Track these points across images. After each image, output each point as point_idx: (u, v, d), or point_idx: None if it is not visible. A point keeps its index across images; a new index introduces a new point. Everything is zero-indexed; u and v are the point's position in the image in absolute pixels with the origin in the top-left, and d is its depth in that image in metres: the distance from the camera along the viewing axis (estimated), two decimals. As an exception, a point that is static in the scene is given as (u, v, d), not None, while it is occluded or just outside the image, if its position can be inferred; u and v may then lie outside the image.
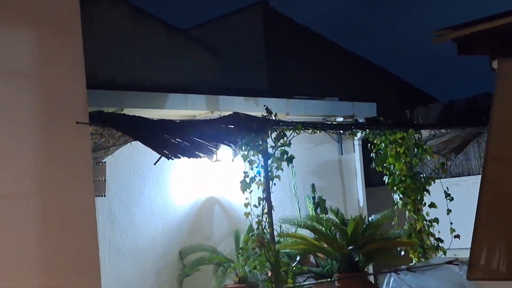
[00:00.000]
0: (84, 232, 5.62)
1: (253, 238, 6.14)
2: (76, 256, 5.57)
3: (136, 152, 7.59)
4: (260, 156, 6.01)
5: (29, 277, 5.33)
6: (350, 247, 5.82)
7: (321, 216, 6.49)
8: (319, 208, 9.08)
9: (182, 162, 8.47)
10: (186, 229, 8.68)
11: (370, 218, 6.07)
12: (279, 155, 6.01)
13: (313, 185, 9.51)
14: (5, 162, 5.15)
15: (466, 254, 5.45)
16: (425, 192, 6.80)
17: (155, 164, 5.85)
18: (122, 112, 7.01)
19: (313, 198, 9.38)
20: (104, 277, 5.83)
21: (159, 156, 5.56)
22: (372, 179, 9.91)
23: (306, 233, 6.66)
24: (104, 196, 7.12)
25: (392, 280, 5.89)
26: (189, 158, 5.74)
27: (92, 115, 5.38)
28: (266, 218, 6.00)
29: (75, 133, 5.32)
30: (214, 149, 5.94)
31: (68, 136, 5.32)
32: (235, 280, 8.32)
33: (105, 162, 6.74)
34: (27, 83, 5.27)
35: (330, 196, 9.42)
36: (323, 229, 5.99)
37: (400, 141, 6.84)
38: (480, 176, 5.52)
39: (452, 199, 6.80)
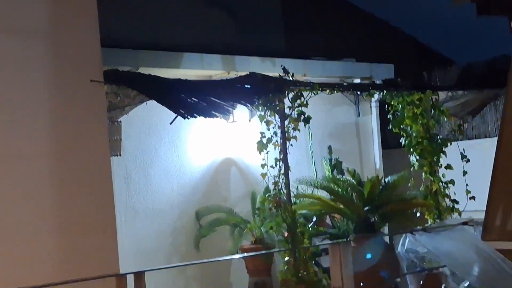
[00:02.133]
0: (100, 192, 5.64)
1: (269, 199, 6.15)
2: (92, 216, 5.59)
3: (152, 112, 7.58)
4: (277, 116, 5.98)
5: (45, 238, 5.37)
6: (366, 208, 5.81)
7: (337, 177, 6.47)
8: (335, 170, 9.07)
9: (198, 123, 8.45)
10: (203, 190, 8.70)
11: (386, 180, 6.05)
12: (296, 115, 5.98)
13: (329, 147, 9.48)
14: (20, 122, 5.15)
15: (481, 216, 5.44)
16: (441, 154, 6.75)
17: (171, 123, 5.85)
18: (137, 71, 6.99)
19: (330, 160, 9.35)
20: (120, 238, 5.86)
21: (175, 115, 5.55)
22: (388, 142, 9.86)
23: (322, 194, 6.65)
24: (120, 155, 7.13)
25: (407, 240, 5.89)
26: (205, 117, 5.73)
27: (107, 74, 5.36)
28: (282, 179, 6.00)
29: (90, 92, 5.31)
30: (231, 109, 5.93)
31: (83, 95, 5.31)
32: (251, 241, 8.36)
33: (120, 121, 6.73)
34: (42, 42, 5.24)
35: (347, 158, 9.39)
36: (340, 190, 5.99)
37: (417, 102, 6.78)
38: (496, 138, 5.48)
39: (468, 160, 6.76)
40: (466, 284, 6.15)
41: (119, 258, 5.68)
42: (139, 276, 4.16)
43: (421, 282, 6.02)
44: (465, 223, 5.81)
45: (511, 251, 4.93)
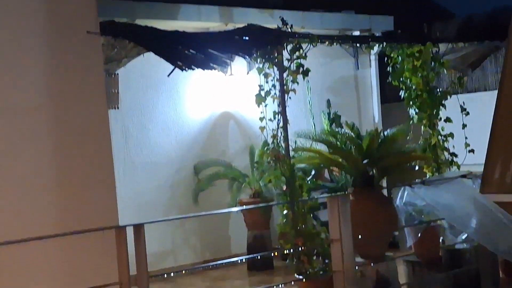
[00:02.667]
0: (98, 144, 5.62)
1: (268, 152, 6.13)
2: (91, 169, 5.59)
3: (149, 65, 7.52)
4: (275, 69, 5.92)
5: (44, 191, 5.37)
6: (364, 162, 5.79)
7: (336, 131, 6.44)
8: (334, 124, 9.05)
9: (196, 76, 8.40)
10: (201, 144, 8.70)
11: (385, 133, 6.02)
12: (294, 68, 5.92)
13: (328, 101, 9.46)
14: (15, 74, 5.10)
15: (480, 169, 5.43)
16: (441, 107, 6.72)
17: (168, 76, 5.80)
18: (134, 23, 6.92)
19: (328, 114, 9.34)
20: (119, 191, 5.86)
21: (172, 67, 5.50)
22: (387, 96, 9.83)
23: (321, 148, 6.63)
24: (117, 108, 7.11)
25: (406, 194, 5.90)
26: (203, 69, 5.68)
27: (103, 25, 5.28)
28: (281, 133, 5.97)
29: (86, 44, 5.24)
30: (229, 61, 5.87)
31: (79, 47, 5.24)
32: (250, 195, 8.39)
33: (117, 74, 6.68)
34: (37, -8, 5.15)
35: (345, 112, 9.38)
36: (338, 143, 5.95)
37: (417, 54, 6.72)
38: (496, 91, 5.44)
39: (467, 113, 6.73)
40: (464, 237, 6.19)
41: (118, 211, 5.69)
42: (138, 229, 4.16)
43: (419, 235, 6.05)
44: (463, 176, 5.80)
45: (509, 204, 4.93)
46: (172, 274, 4.93)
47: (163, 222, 8.09)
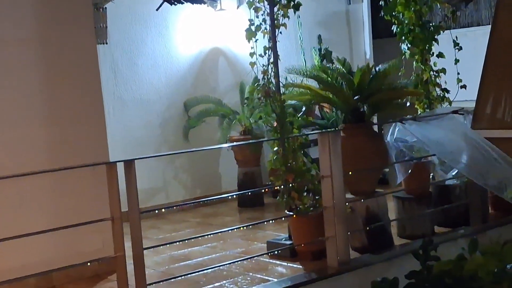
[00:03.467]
0: (87, 79, 5.58)
1: (258, 88, 6.07)
2: (80, 104, 5.56)
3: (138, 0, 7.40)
4: (266, 3, 5.81)
5: (34, 126, 5.34)
6: (356, 98, 5.75)
7: (327, 66, 6.37)
8: (325, 59, 8.98)
9: (186, 11, 8.27)
10: (191, 81, 8.63)
11: (377, 68, 5.96)
12: (285, 2, 5.81)
13: (319, 37, 9.36)
14: (3, 6, 5.01)
15: (471, 106, 5.41)
16: (433, 42, 6.65)
17: (157, 10, 5.70)
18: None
19: (319, 49, 9.25)
20: (109, 128, 5.84)
21: (161, 1, 5.39)
22: (379, 31, 9.72)
23: (312, 84, 6.58)
24: (106, 43, 7.00)
25: (397, 130, 5.89)
26: (192, 4, 5.59)
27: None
28: (271, 68, 5.90)
29: (74, -23, 5.13)
30: (218, -5, 5.76)
31: (66, -20, 5.14)
32: (240, 132, 8.38)
33: (105, 8, 6.55)
34: None
35: (337, 48, 9.29)
36: (329, 79, 5.90)
37: (411, -13, 6.60)
38: (489, 26, 5.38)
39: (460, 48, 6.66)
40: (454, 173, 6.23)
41: (108, 147, 5.68)
42: (129, 165, 4.14)
43: (410, 171, 6.07)
44: (455, 112, 5.79)
45: (500, 139, 4.94)
46: (163, 210, 4.95)
47: (154, 159, 8.08)
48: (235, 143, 8.07)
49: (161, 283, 4.80)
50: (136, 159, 4.17)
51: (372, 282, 4.75)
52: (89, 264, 4.34)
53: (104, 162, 4.27)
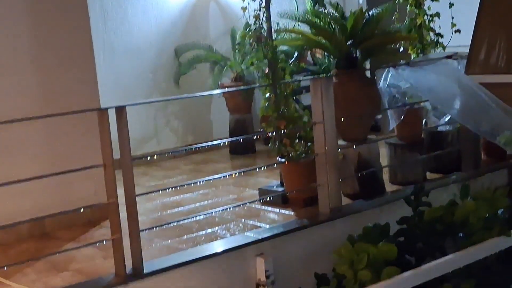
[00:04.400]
0: (77, 25, 5.51)
1: (250, 34, 5.99)
2: (70, 51, 5.50)
3: None
4: None
5: (25, 73, 5.29)
6: (348, 43, 5.69)
7: (319, 10, 6.27)
8: (317, 4, 8.84)
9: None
10: (181, 27, 8.53)
11: (370, 13, 5.87)
12: None
13: (311, -19, 9.20)
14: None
15: (465, 51, 5.37)
16: (427, -15, 6.54)
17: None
18: None
19: (312, -6, 9.10)
20: (99, 75, 5.77)
21: None
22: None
23: (304, 29, 6.51)
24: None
25: (390, 75, 5.85)
26: None
27: None
28: (263, 13, 5.81)
29: None
30: None
31: None
32: (231, 78, 8.31)
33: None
34: None
35: (329, -7, 9.15)
36: (322, 24, 5.82)
37: None
38: (485, -31, 5.29)
39: (455, -10, 6.57)
40: (447, 119, 6.22)
41: (99, 94, 5.63)
42: (120, 111, 4.10)
43: (402, 117, 6.06)
44: (449, 57, 5.74)
45: (493, 85, 4.92)
46: (155, 156, 4.94)
47: (145, 107, 8.04)
48: (226, 90, 8.02)
49: (154, 229, 4.81)
50: (127, 105, 4.13)
51: (364, 228, 4.80)
52: (82, 210, 4.33)
53: (96, 108, 4.22)
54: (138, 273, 4.16)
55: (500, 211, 4.84)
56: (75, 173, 4.21)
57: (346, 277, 4.35)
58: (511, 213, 4.96)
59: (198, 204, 6.02)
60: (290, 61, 6.91)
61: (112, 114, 4.10)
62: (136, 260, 4.18)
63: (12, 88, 5.20)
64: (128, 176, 4.13)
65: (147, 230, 4.51)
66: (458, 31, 6.42)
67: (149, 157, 6.95)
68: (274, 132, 5.63)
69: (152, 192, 4.92)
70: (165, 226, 4.90)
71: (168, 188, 5.46)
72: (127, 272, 4.14)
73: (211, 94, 8.48)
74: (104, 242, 4.39)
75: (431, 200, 5.13)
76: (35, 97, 5.31)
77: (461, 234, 4.80)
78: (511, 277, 4.76)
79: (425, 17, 6.51)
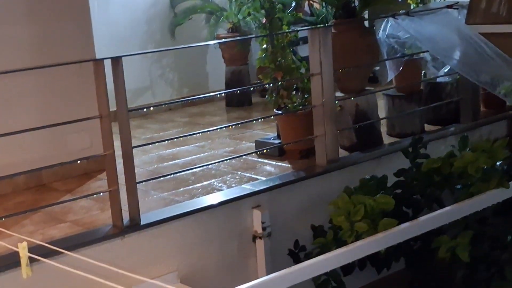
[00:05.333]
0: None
1: (246, -17, 5.89)
2: (65, 2, 5.41)
3: None
4: None
5: (17, 24, 5.20)
6: (347, -8, 5.60)
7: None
8: (315, -47, 8.70)
9: None
10: (176, -23, 8.39)
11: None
12: None
13: None
14: None
15: (466, 0, 5.28)
16: None
17: None
18: None
19: None
20: (94, 28, 5.68)
21: None
22: None
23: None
24: None
25: (389, 25, 5.77)
26: None
27: None
28: (260, -39, 5.70)
29: None
30: None
31: None
32: (228, 29, 8.22)
33: None
34: None
35: None
36: (320, -27, 5.72)
37: None
38: None
39: None
40: (446, 69, 6.16)
41: (95, 45, 5.55)
42: (116, 62, 4.03)
43: (401, 68, 6.00)
44: (449, 7, 5.64)
45: (494, 35, 4.84)
46: (151, 108, 4.89)
47: (140, 58, 7.96)
48: (222, 40, 7.93)
49: (150, 181, 4.81)
50: (123, 56, 4.06)
51: (361, 180, 4.79)
52: (78, 162, 4.31)
53: (91, 59, 4.15)
54: (135, 225, 4.16)
55: (498, 163, 4.82)
56: (71, 125, 4.18)
57: (343, 229, 4.34)
58: (509, 165, 4.95)
59: (194, 157, 6.00)
60: (288, 11, 6.80)
61: (108, 66, 4.04)
62: (133, 211, 4.17)
63: (7, 39, 5.11)
64: (125, 128, 4.09)
65: (143, 182, 4.50)
66: (459, -21, 6.32)
67: (145, 109, 6.91)
68: (271, 84, 5.58)
69: (148, 144, 4.89)
70: (161, 179, 4.89)
71: (164, 140, 5.43)
72: (124, 224, 4.14)
73: (207, 45, 8.39)
74: (101, 194, 4.38)
75: (429, 152, 5.11)
76: (30, 48, 5.23)
77: (458, 186, 4.79)
78: (508, 229, 4.77)
79: (427, -35, 6.41)
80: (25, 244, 2.37)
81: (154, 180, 4.86)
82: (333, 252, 4.03)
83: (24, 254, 2.36)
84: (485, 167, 4.66)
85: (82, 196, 4.62)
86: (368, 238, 4.14)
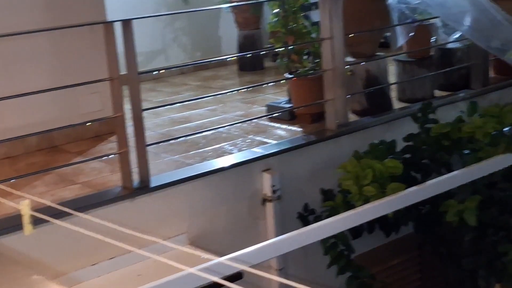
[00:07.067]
0: None
1: None
2: None
3: None
4: None
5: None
6: (359, -44, 5.56)
7: None
8: None
9: None
10: None
11: None
12: None
13: None
14: None
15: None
16: None
17: None
18: None
19: None
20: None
21: None
22: None
23: None
24: None
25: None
26: None
27: None
28: None
29: None
30: None
31: None
32: (239, -7, 8.17)
33: None
34: None
35: None
36: None
37: None
38: None
39: None
40: (457, 35, 6.13)
41: (106, 8, 5.56)
42: (127, 24, 4.05)
43: (412, 34, 5.98)
44: (461, -28, 5.59)
45: (503, 0, 4.81)
46: (162, 71, 4.91)
47: (152, 21, 7.95)
48: (235, 3, 7.90)
49: (161, 144, 4.85)
50: (133, 18, 4.08)
51: (370, 144, 4.81)
52: (89, 124, 4.35)
53: (101, 21, 4.17)
54: (145, 187, 4.21)
55: (506, 128, 4.82)
56: (82, 88, 4.22)
57: (351, 192, 4.38)
58: (518, 130, 4.95)
59: (205, 120, 6.03)
60: (300, -24, 6.77)
61: (119, 29, 4.06)
62: (143, 173, 4.22)
63: (18, 2, 5.13)
64: (135, 90, 4.12)
65: (154, 145, 4.55)
66: None
67: (157, 72, 6.94)
68: (283, 48, 5.58)
69: (158, 106, 4.93)
70: (172, 142, 4.93)
71: (175, 103, 5.46)
72: (134, 186, 4.19)
73: (219, 8, 8.36)
74: (112, 156, 4.44)
75: (439, 117, 5.11)
76: (41, 10, 5.24)
77: (467, 151, 4.80)
78: (517, 194, 4.79)
79: None
80: (27, 201, 2.40)
81: (165, 143, 4.91)
82: (341, 214, 4.06)
83: (26, 212, 2.38)
84: (493, 132, 4.66)
85: (92, 158, 4.68)
86: (376, 201, 4.17)
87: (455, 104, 5.82)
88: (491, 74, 6.57)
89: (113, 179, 4.47)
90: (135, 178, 4.22)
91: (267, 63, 8.26)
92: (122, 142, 4.16)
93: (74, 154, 5.16)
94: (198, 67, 8.22)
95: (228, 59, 7.70)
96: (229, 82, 7.66)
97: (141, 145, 4.21)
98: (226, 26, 8.59)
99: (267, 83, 6.69)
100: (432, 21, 6.13)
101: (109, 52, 4.04)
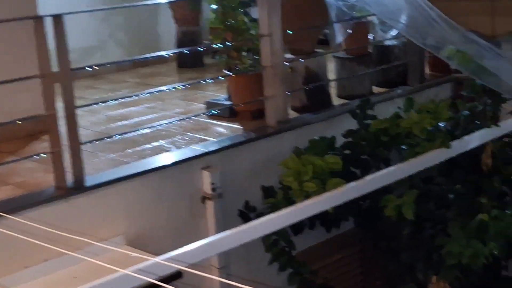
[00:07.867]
0: None
1: None
2: None
3: None
4: None
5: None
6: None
7: None
8: None
9: None
10: None
11: None
12: None
13: None
14: None
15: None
16: None
17: None
18: None
19: None
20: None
21: None
22: None
23: None
24: None
25: (338, -13, 5.75)
26: None
27: None
28: None
29: None
30: None
31: None
32: (178, -11, 8.09)
33: None
34: None
35: None
36: None
37: None
38: None
39: None
40: (393, 33, 6.20)
41: (38, 3, 5.40)
42: (58, 20, 3.94)
43: (349, 31, 6.01)
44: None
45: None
46: (96, 67, 4.80)
47: (87, 17, 7.78)
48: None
49: (98, 142, 4.73)
50: (65, 13, 3.96)
51: (310, 140, 4.82)
52: (20, 123, 4.20)
53: (31, 16, 4.03)
54: (79, 186, 4.10)
55: (442, 124, 4.90)
56: (13, 85, 4.07)
57: (292, 189, 4.37)
58: (453, 125, 5.03)
59: (144, 118, 5.94)
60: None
61: (49, 24, 3.94)
62: (77, 173, 4.11)
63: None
64: (67, 87, 4.00)
65: (90, 144, 4.44)
66: None
67: (94, 69, 6.77)
68: (222, 44, 5.54)
69: (92, 104, 4.80)
70: (109, 140, 4.83)
71: (109, 100, 5.35)
72: (68, 185, 4.07)
73: (157, 4, 8.25)
74: (45, 156, 4.30)
75: (377, 113, 5.15)
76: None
77: (404, 146, 4.85)
78: (451, 188, 4.87)
79: None
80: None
81: (102, 142, 4.79)
82: (282, 211, 4.06)
83: None
84: (430, 128, 4.72)
85: (24, 157, 4.52)
86: (316, 197, 4.18)
87: (393, 100, 5.88)
88: (427, 71, 6.67)
89: (47, 179, 4.33)
90: (69, 178, 4.11)
91: (207, 60, 8.20)
92: (55, 141, 4.04)
93: (6, 154, 5.00)
94: (137, 64, 8.10)
95: (167, 56, 7.59)
96: (168, 79, 7.57)
97: (75, 144, 4.09)
98: (165, 22, 8.49)
99: (205, 80, 6.62)
100: (369, 18, 6.18)
101: (39, 49, 3.91)
